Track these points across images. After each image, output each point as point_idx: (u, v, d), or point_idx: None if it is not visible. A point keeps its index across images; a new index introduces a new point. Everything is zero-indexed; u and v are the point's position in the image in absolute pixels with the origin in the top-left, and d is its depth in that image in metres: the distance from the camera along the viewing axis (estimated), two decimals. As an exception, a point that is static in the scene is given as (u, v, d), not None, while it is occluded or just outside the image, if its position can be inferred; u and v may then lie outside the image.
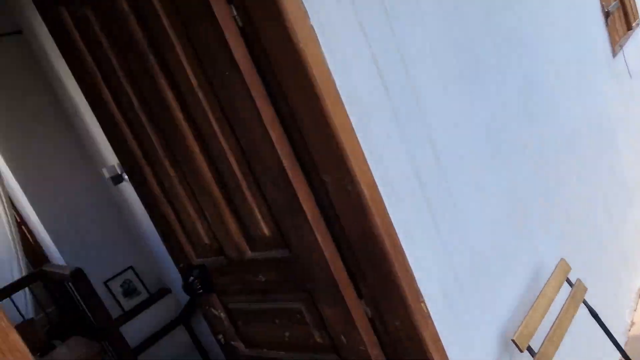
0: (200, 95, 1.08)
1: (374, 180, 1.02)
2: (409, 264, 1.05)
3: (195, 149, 1.17)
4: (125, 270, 4.41)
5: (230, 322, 1.44)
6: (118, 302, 4.25)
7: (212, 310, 1.45)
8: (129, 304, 4.35)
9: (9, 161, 3.84)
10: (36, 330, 3.09)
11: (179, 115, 1.15)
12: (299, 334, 1.26)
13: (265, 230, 1.16)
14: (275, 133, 1.02)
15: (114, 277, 4.33)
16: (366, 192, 0.99)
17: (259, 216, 1.15)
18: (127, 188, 3.88)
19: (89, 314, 2.83)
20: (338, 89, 0.98)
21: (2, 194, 3.75)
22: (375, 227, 1.00)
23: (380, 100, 1.09)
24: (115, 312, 4.28)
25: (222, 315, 1.43)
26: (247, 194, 1.13)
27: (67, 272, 2.60)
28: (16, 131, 3.89)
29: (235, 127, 1.06)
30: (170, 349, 4.22)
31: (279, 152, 1.02)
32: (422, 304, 1.05)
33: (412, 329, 1.03)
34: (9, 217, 3.77)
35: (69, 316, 3.35)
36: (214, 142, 1.11)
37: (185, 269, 1.42)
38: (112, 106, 1.28)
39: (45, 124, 4.00)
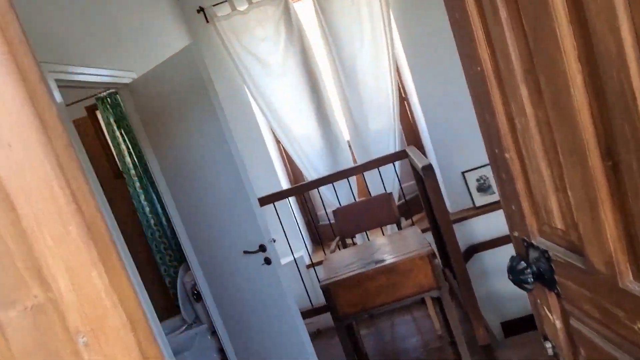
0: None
1: None
2: None
3: (577, 78, 0.64)
4: (484, 165, 4.19)
5: (566, 338, 0.96)
6: (470, 194, 4.16)
7: (545, 309, 0.99)
8: (480, 199, 4.20)
9: (402, 32, 3.96)
10: (391, 203, 3.35)
11: (559, 10, 0.62)
12: None
13: (680, 267, 0.58)
14: None
15: (472, 169, 4.20)
16: None
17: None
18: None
19: (432, 206, 2.80)
20: None
21: (392, 69, 4.00)
22: None
23: None
24: (465, 203, 4.25)
25: (557, 324, 0.96)
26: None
27: (420, 164, 2.55)
28: (410, 8, 3.92)
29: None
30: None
31: None
32: None
33: None
34: (394, 91, 4.04)
35: (421, 199, 3.47)
36: (618, 70, 0.56)
37: (520, 244, 0.98)
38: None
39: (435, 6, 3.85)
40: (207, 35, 4.10)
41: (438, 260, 2.43)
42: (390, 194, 3.35)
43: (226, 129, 2.25)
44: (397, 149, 4.07)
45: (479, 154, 4.14)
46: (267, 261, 2.29)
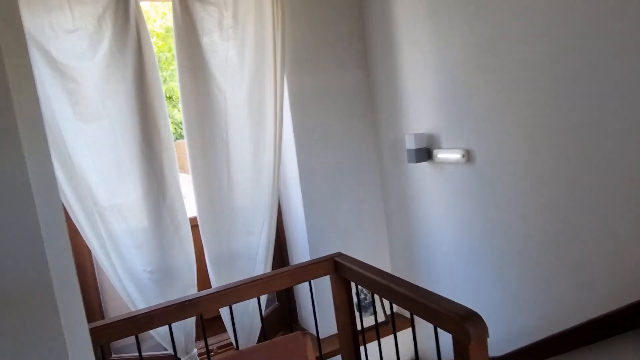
0: None
1: None
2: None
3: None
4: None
5: None
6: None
7: None
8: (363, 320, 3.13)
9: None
10: (306, 350, 1.95)
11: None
12: None
13: None
14: None
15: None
16: None
17: None
18: (424, 171, 2.63)
19: None
20: None
21: (277, 133, 2.70)
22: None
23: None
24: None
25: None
26: None
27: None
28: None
29: None
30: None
31: None
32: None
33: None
34: (276, 159, 2.71)
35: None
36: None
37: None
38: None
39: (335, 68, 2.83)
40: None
41: None
42: (306, 334, 1.98)
43: None
44: (268, 240, 2.73)
45: (370, 251, 3.16)
46: None
